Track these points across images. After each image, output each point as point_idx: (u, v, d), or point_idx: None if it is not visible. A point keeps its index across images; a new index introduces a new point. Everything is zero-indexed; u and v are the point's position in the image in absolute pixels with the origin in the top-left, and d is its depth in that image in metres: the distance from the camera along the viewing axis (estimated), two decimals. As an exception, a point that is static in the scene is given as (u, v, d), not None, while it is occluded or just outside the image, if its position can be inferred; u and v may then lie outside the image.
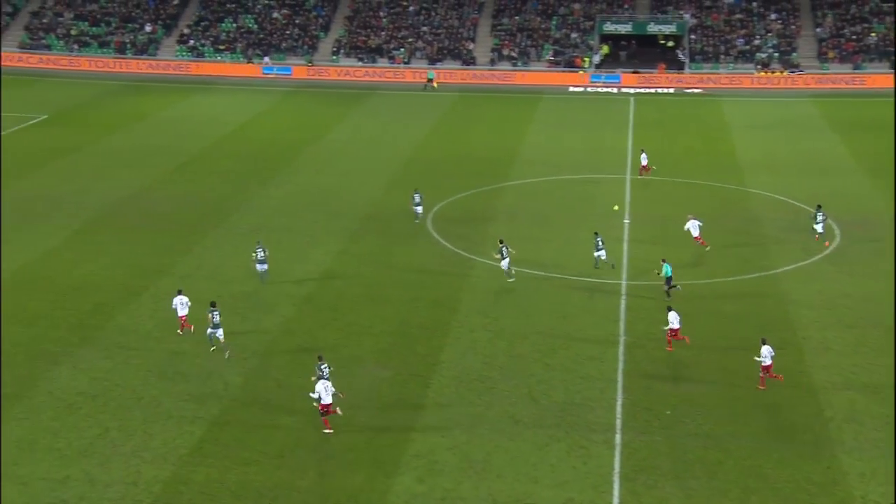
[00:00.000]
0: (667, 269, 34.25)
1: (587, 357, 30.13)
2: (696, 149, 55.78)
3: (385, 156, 50.35)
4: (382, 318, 32.66)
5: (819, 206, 40.16)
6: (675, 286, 34.41)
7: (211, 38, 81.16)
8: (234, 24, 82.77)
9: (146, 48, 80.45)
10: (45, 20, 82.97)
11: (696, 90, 72.82)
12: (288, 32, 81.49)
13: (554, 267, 37.04)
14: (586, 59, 76.22)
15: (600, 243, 36.64)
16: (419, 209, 42.07)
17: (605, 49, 78.07)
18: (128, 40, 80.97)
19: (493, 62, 77.52)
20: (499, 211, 43.98)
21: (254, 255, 35.57)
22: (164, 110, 64.90)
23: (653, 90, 73.04)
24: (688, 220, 38.97)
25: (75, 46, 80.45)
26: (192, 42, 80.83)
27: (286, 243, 39.40)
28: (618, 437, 25.85)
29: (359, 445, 25.35)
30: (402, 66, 77.39)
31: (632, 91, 72.87)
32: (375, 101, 69.11)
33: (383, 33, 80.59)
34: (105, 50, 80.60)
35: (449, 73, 76.01)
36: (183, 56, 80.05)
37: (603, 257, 36.62)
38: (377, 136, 57.81)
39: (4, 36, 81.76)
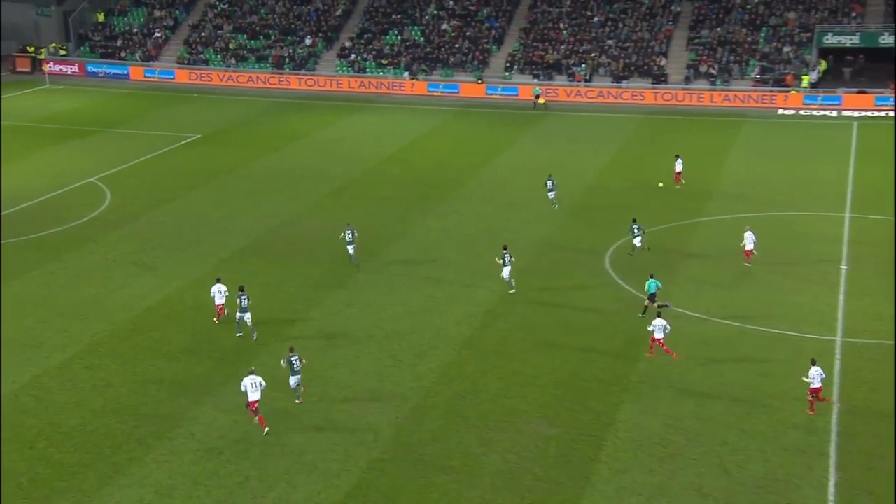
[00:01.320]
0: (650, 285, 35.87)
1: (792, 425, 28.90)
2: (934, 183, 52.85)
3: (560, 184, 50.33)
4: (551, 368, 32.53)
5: None
6: (665, 305, 36.03)
7: (373, 52, 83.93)
8: (399, 37, 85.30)
9: (305, 62, 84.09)
10: (203, 33, 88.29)
11: (936, 113, 69.14)
12: (457, 46, 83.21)
13: (754, 317, 35.85)
14: (805, 76, 73.73)
15: (636, 230, 41.34)
16: (552, 194, 47.66)
17: (824, 65, 75.40)
18: (287, 54, 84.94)
19: (687, 80, 76.37)
20: (689, 251, 43.06)
21: (342, 235, 41.37)
22: (320, 130, 67.47)
23: (882, 114, 69.86)
24: (745, 231, 40.79)
25: (233, 61, 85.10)
26: (353, 56, 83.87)
27: (447, 280, 39.96)
28: (828, 524, 24.62)
29: (520, 513, 25.25)
30: (582, 84, 77.47)
31: (855, 114, 69.96)
32: (551, 122, 69.38)
33: (563, 47, 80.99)
34: (262, 64, 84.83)
35: (636, 92, 75.48)
36: (343, 71, 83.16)
37: (638, 244, 41.34)
38: (552, 162, 57.95)
39: (164, 50, 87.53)
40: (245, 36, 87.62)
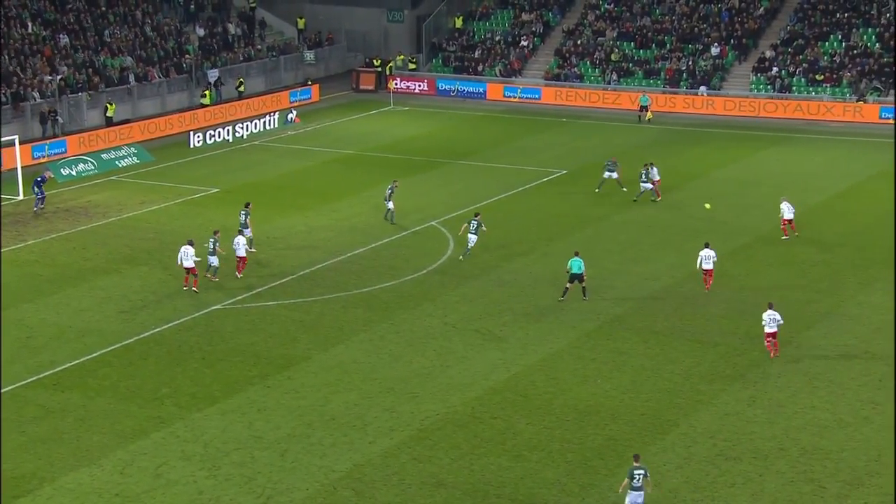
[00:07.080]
0: (572, 265, 44.30)
1: None
2: None
3: None
4: None
5: None
6: (564, 291, 44.76)
7: (804, 65, 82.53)
8: (843, 44, 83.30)
9: (709, 78, 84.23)
10: (580, 41, 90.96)
11: None
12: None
13: None
14: None
15: (644, 175, 57.73)
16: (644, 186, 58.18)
17: None
18: (685, 67, 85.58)
19: None
20: None
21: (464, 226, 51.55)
22: (722, 168, 67.36)
23: None
24: (781, 202, 52.67)
25: (614, 76, 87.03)
26: (775, 70, 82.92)
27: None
28: None
29: None
30: None
31: None
32: None
33: None
34: (652, 81, 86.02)
35: None
36: (760, 90, 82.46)
37: (649, 187, 58.12)
38: None
39: (530, 63, 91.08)
40: (632, 44, 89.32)
